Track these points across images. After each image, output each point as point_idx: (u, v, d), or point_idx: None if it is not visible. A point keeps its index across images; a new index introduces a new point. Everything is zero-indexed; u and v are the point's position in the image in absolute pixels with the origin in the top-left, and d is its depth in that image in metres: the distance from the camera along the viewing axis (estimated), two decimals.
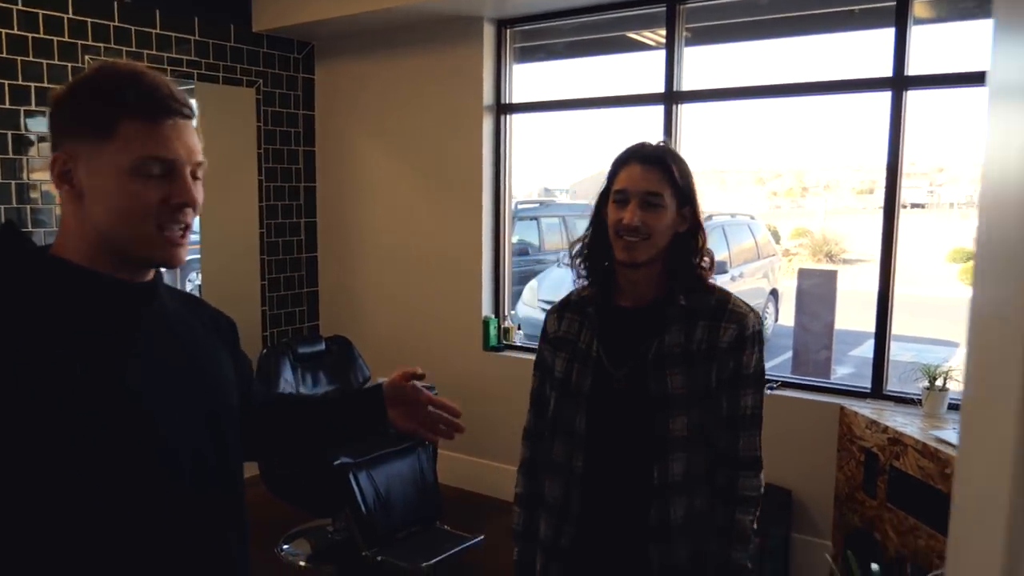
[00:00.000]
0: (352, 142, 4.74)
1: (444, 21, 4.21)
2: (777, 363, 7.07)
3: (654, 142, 1.59)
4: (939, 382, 3.05)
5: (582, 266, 1.65)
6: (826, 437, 3.28)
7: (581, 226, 6.13)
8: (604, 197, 1.60)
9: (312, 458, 3.33)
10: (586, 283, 1.66)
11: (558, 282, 7.19)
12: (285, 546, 3.72)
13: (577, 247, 1.66)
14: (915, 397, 3.16)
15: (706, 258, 1.59)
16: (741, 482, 1.54)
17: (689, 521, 1.53)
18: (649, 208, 1.51)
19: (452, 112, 4.30)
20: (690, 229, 1.56)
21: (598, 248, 1.61)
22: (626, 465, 1.56)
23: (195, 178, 1.08)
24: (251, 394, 1.34)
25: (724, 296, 1.59)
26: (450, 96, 4.30)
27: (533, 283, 7.27)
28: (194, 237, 5.20)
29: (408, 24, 4.31)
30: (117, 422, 1.01)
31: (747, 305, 1.59)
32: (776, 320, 8.22)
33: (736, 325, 1.53)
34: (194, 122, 1.09)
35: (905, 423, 2.93)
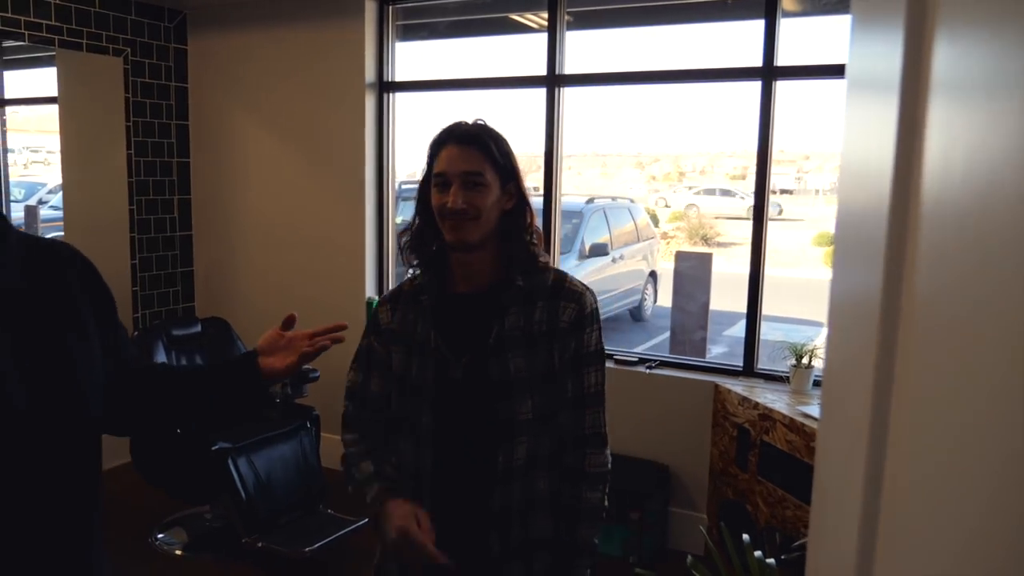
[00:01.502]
0: (228, 117, 4.56)
1: None
2: (656, 343, 7.32)
3: (470, 121, 1.55)
4: (805, 360, 3.24)
5: (412, 256, 1.59)
6: (702, 414, 3.43)
7: None
8: (427, 182, 1.55)
9: (185, 429, 3.21)
10: (417, 273, 1.60)
11: None
12: (160, 535, 3.59)
13: (405, 237, 1.59)
14: (783, 374, 3.34)
15: (535, 235, 1.57)
16: (588, 459, 1.54)
17: (530, 503, 1.53)
18: (472, 188, 1.48)
19: (333, 89, 4.21)
20: (517, 206, 1.54)
21: (427, 235, 1.56)
22: (472, 455, 1.53)
23: None
24: (126, 357, 1.29)
25: (560, 275, 1.58)
26: (331, 72, 4.21)
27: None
28: (56, 213, 4.91)
29: None
30: None
31: (582, 284, 1.59)
32: (655, 301, 8.51)
33: (575, 304, 1.53)
34: None
35: (774, 399, 3.10)
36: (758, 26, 3.33)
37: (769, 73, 3.29)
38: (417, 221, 1.57)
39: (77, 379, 1.13)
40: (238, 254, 4.63)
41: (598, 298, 1.61)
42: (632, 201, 9.02)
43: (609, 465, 1.57)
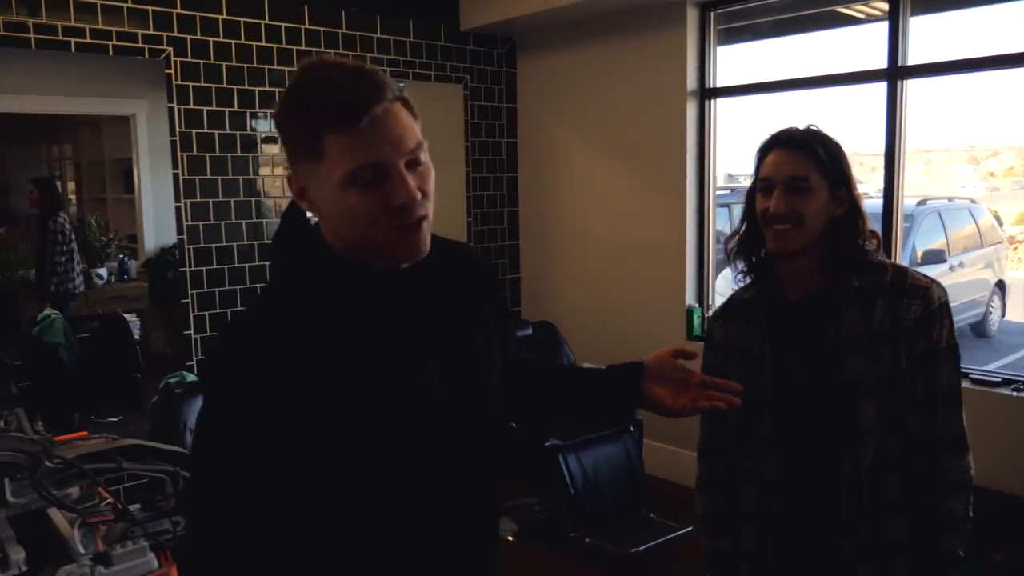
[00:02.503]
0: (552, 132, 4.83)
1: (646, 8, 4.18)
2: (1008, 362, 6.44)
3: (800, 127, 1.52)
4: None
5: (739, 261, 1.60)
6: None
7: None
8: (753, 187, 1.55)
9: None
10: (746, 279, 1.61)
11: None
12: None
13: (732, 242, 1.61)
14: None
15: (872, 240, 1.51)
16: (946, 464, 1.45)
17: (880, 506, 1.47)
18: (796, 193, 1.45)
19: (654, 98, 4.27)
20: (848, 212, 1.48)
21: (754, 241, 1.56)
22: (817, 460, 1.50)
23: (416, 163, 1.01)
24: (511, 347, 1.32)
25: (900, 271, 1.50)
26: (652, 82, 4.28)
27: (727, 272, 7.05)
28: None
29: (609, 13, 4.32)
30: (404, 420, 1.03)
31: (927, 277, 1.49)
32: (1003, 315, 7.48)
33: (920, 300, 1.45)
34: (393, 103, 0.99)
35: None
36: None
37: None
38: (744, 226, 1.58)
39: (486, 379, 1.17)
40: (561, 261, 4.88)
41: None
42: (973, 201, 8.04)
43: (971, 472, 1.47)
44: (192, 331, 3.89)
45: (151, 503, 1.91)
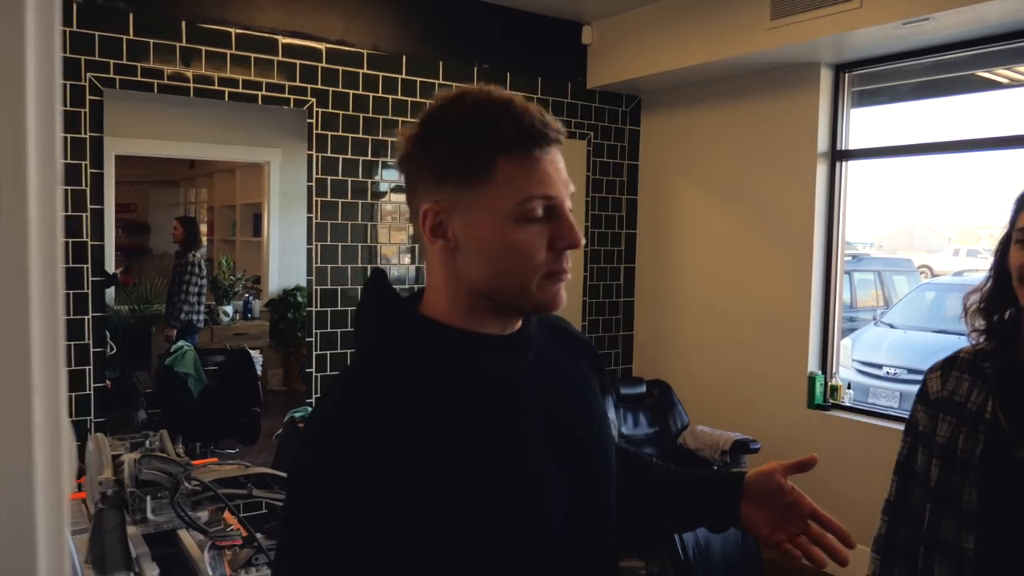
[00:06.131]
0: (674, 190, 4.81)
1: (777, 69, 4.15)
2: None
3: None
4: None
5: (979, 319, 1.45)
6: None
7: (899, 283, 5.63)
8: (1006, 242, 1.40)
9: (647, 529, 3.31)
10: (980, 339, 1.46)
11: (876, 342, 6.64)
12: None
13: (973, 299, 1.47)
14: None
15: None
16: None
17: None
18: None
19: (781, 159, 4.20)
20: None
21: (999, 300, 1.42)
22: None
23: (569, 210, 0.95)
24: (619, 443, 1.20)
25: None
26: (780, 143, 4.21)
27: (847, 342, 6.77)
28: None
29: (738, 73, 4.30)
30: (504, 502, 0.91)
31: None
32: None
33: None
34: (560, 147, 0.94)
35: None
36: None
37: None
38: (991, 282, 1.44)
39: (610, 467, 1.06)
40: (676, 320, 4.80)
41: None
42: None
43: None
44: (313, 369, 4.03)
45: (276, 532, 1.96)
